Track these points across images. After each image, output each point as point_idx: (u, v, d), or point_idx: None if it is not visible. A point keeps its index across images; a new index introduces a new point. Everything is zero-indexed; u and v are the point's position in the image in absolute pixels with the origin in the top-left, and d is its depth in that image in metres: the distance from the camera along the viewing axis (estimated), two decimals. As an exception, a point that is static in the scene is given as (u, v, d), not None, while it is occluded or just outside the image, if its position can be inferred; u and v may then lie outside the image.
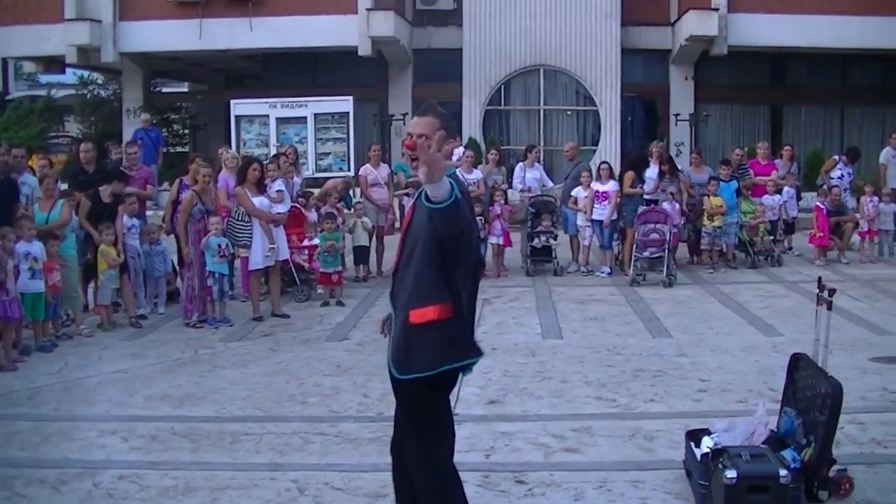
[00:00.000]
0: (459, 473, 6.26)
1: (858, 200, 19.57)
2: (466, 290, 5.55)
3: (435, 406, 5.70)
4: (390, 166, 18.29)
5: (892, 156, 20.46)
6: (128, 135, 24.77)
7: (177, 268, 14.72)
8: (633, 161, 18.24)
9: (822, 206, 18.50)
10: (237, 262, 14.63)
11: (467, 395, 9.74)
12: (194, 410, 9.40)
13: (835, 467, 7.11)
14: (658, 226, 16.46)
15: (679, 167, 18.89)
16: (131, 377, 10.65)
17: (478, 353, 5.61)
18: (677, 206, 17.32)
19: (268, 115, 25.70)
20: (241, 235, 13.37)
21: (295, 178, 16.44)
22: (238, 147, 24.48)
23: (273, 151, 21.89)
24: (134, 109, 28.80)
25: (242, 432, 8.64)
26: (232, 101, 26.44)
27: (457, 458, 7.75)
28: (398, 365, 5.59)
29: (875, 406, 9.35)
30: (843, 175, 20.33)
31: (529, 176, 18.56)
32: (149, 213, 16.10)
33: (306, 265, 15.02)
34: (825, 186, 19.64)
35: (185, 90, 36.62)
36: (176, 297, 14.52)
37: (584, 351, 11.57)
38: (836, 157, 21.13)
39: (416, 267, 5.54)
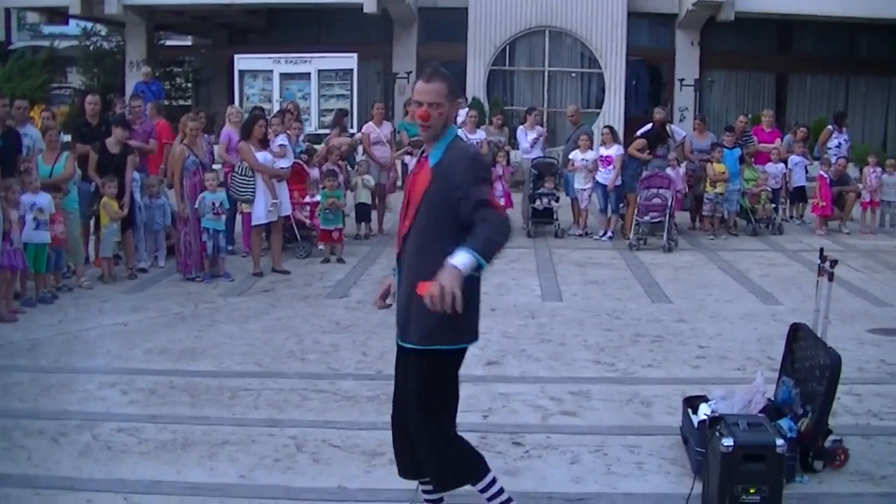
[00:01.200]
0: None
1: (861, 171, 19.54)
2: None
3: (453, 374, 5.72)
4: (393, 125, 18.26)
5: None
6: (130, 88, 24.67)
7: (177, 222, 14.76)
8: (653, 137, 17.96)
9: (825, 176, 18.47)
10: (238, 218, 14.64)
11: (466, 356, 9.75)
12: (193, 365, 9.43)
13: (831, 438, 7.14)
14: (661, 191, 16.46)
15: (680, 133, 18.87)
16: (131, 330, 10.68)
17: None
18: (681, 171, 17.33)
19: (271, 71, 25.62)
20: (243, 190, 13.36)
21: (298, 135, 16.42)
22: (241, 102, 24.40)
23: (276, 107, 21.84)
24: (136, 62, 28.60)
25: (241, 388, 8.67)
26: (236, 56, 26.36)
27: (454, 418, 7.83)
28: (421, 336, 5.52)
29: (872, 378, 9.37)
30: (840, 143, 20.29)
31: (530, 137, 18.57)
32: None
33: (308, 222, 15.02)
34: (826, 156, 19.63)
35: (189, 44, 36.44)
36: (175, 251, 14.51)
37: (583, 314, 11.59)
38: (830, 126, 21.04)
39: (437, 238, 5.41)
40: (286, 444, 7.35)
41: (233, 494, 6.46)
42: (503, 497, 5.66)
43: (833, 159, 19.40)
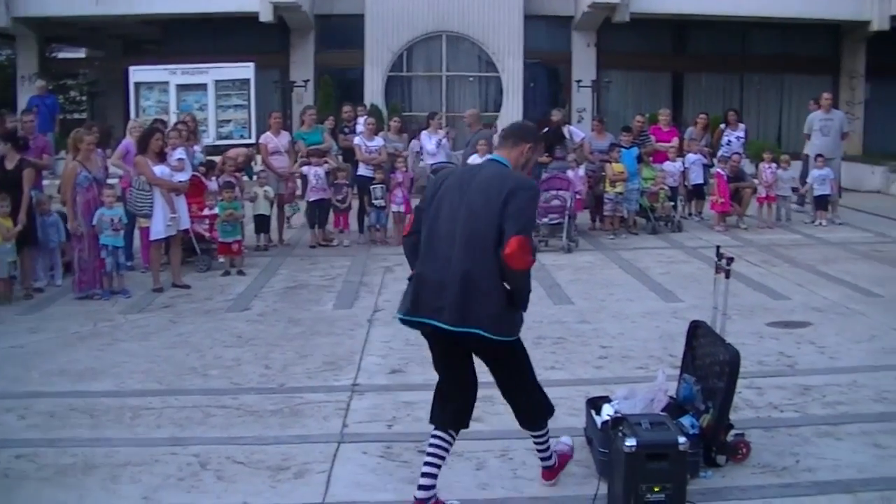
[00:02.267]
0: (361, 444, 6.89)
1: (757, 167, 19.83)
2: None
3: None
4: (291, 134, 18.13)
5: (820, 118, 20.45)
6: (22, 102, 24.20)
7: (72, 239, 14.50)
8: (551, 139, 18.11)
9: (722, 173, 18.73)
10: (136, 233, 14.44)
11: (369, 366, 9.76)
12: (94, 385, 9.27)
13: (732, 432, 7.22)
14: (560, 192, 16.61)
15: (578, 134, 19.06)
16: (28, 352, 10.46)
17: None
18: (581, 172, 17.46)
19: (167, 82, 25.22)
20: (141, 205, 13.16)
21: (195, 147, 16.25)
22: (137, 114, 24.05)
23: (173, 119, 21.57)
24: (29, 76, 28.11)
25: (143, 406, 8.53)
26: (130, 68, 25.93)
27: (358, 429, 7.86)
28: (497, 329, 6.08)
29: (772, 371, 9.51)
30: (729, 140, 20.54)
31: (434, 141, 18.55)
32: (45, 182, 15.78)
33: (207, 234, 14.87)
34: (722, 154, 19.91)
35: (83, 56, 35.86)
36: (72, 269, 14.26)
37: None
38: (722, 126, 21.30)
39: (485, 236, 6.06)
40: (190, 463, 7.25)
41: (136, 517, 6.35)
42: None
43: (727, 156, 19.67)
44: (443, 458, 6.39)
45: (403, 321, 6.30)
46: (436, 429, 6.42)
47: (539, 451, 6.73)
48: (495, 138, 17.52)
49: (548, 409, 6.59)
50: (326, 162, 17.15)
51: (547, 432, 6.65)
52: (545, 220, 16.66)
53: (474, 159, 17.24)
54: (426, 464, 6.34)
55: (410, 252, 6.46)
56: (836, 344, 10.50)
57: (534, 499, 6.62)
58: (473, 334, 6.01)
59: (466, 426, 6.51)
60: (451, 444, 6.43)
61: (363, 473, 7.05)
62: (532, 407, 6.56)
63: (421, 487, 6.31)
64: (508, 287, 6.05)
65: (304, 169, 17.05)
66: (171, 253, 13.74)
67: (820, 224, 19.26)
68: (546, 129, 17.92)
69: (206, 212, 14.90)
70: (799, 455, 7.35)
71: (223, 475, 7.04)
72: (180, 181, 13.69)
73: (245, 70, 25.21)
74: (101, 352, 10.42)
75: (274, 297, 13.00)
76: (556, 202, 16.58)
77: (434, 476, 6.32)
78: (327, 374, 9.55)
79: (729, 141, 20.48)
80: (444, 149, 18.70)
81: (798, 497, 6.63)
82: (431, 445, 6.37)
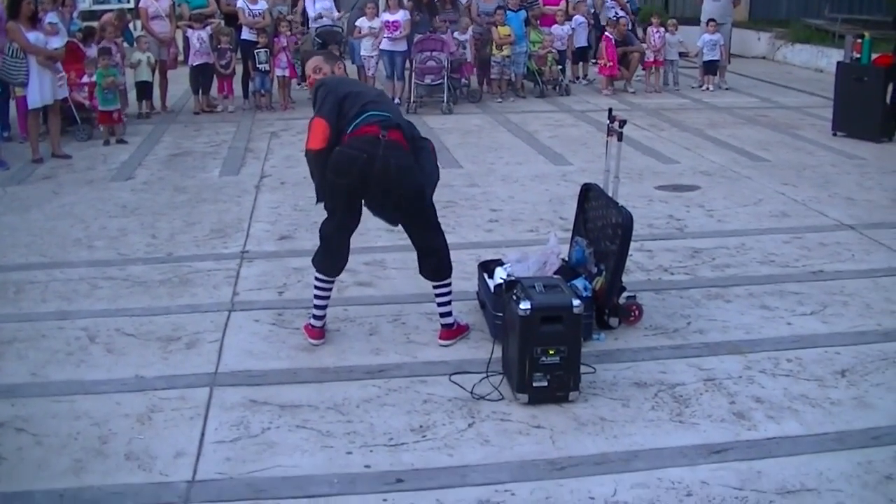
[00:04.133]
0: (252, 312, 7.06)
1: (644, 31, 19.81)
2: None
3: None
4: (173, -3, 17.63)
5: None
6: None
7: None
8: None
9: (609, 37, 18.66)
10: (12, 102, 13.99)
11: (257, 232, 9.65)
12: (-27, 260, 9.00)
13: (625, 295, 7.28)
14: (434, 53, 16.54)
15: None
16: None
17: None
18: (469, 35, 17.30)
19: (39, -57, 24.37)
20: (16, 73, 12.68)
21: (73, 14, 15.73)
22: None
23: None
24: None
25: (27, 281, 8.32)
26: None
27: (249, 296, 7.76)
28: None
29: (662, 234, 9.60)
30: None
31: (319, 5, 18.15)
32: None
33: (87, 103, 14.44)
34: (610, 18, 19.82)
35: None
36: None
37: (375, 184, 11.48)
38: None
39: None
40: (78, 337, 7.10)
41: (24, 394, 6.18)
42: None
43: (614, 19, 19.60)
44: None
45: None
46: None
47: (445, 312, 6.99)
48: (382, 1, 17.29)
49: (450, 265, 7.01)
50: (209, 25, 16.68)
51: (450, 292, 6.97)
52: (426, 80, 16.72)
53: (362, 22, 17.00)
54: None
55: (321, 166, 6.66)
56: (724, 207, 10.61)
57: (428, 363, 6.60)
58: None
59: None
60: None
61: (255, 341, 6.97)
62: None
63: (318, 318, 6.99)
64: None
65: (188, 33, 16.60)
66: (50, 122, 13.27)
67: (707, 89, 19.35)
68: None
69: (84, 79, 14.42)
70: (689, 317, 7.44)
71: (113, 348, 6.90)
72: (55, 48, 13.16)
73: (123, -70, 24.41)
74: (-21, 225, 10.13)
75: (158, 165, 12.73)
76: (431, 63, 16.54)
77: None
78: (215, 241, 9.40)
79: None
80: (329, 11, 18.30)
81: (689, 358, 6.71)
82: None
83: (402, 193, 6.60)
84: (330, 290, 7.00)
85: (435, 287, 6.93)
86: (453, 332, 6.98)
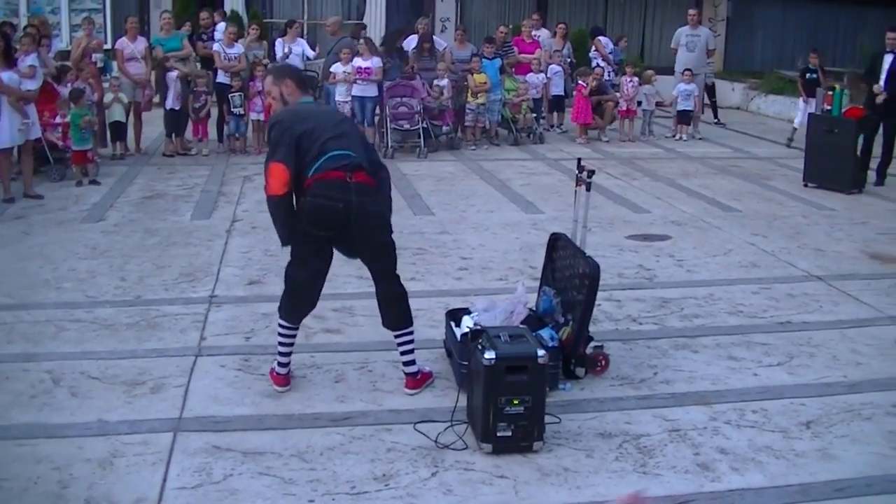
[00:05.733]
0: (219, 357, 7.13)
1: (619, 80, 19.96)
2: None
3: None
4: (148, 40, 17.63)
5: (687, 34, 20.41)
6: None
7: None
8: (394, 36, 18.11)
9: (583, 85, 18.76)
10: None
11: (227, 277, 9.63)
12: (-60, 299, 8.94)
13: (592, 344, 7.29)
14: (405, 99, 16.64)
15: (441, 44, 19.01)
16: None
17: None
18: (446, 81, 17.37)
19: (17, -17, 24.42)
20: (-13, 112, 12.66)
21: (49, 53, 15.71)
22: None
23: (24, 22, 20.83)
24: None
25: (-7, 321, 8.27)
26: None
27: (216, 341, 7.74)
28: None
29: (631, 283, 9.63)
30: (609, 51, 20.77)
31: (291, 48, 18.19)
32: None
33: (60, 143, 14.40)
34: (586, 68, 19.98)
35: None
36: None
37: (346, 230, 11.48)
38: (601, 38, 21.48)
39: None
40: (42, 380, 7.04)
41: (-14, 435, 6.15)
42: None
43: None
44: None
45: None
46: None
47: (409, 360, 6.96)
48: (359, 46, 17.35)
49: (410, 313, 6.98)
50: (175, 68, 16.60)
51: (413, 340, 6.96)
52: (405, 125, 16.87)
53: (337, 67, 17.07)
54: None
55: (286, 211, 6.66)
56: (694, 257, 10.66)
57: (394, 411, 6.59)
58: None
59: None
60: None
61: (221, 387, 6.94)
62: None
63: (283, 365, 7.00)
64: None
65: (169, 75, 16.58)
66: (23, 162, 13.21)
67: (681, 138, 19.49)
68: (413, 38, 17.98)
69: (58, 119, 14.38)
70: (657, 367, 7.45)
71: (77, 391, 6.86)
72: (29, 90, 13.13)
73: (99, -28, 24.45)
74: (-53, 263, 10.08)
75: (130, 207, 12.70)
76: (402, 108, 16.68)
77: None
78: (184, 285, 9.37)
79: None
80: (300, 57, 18.34)
81: (655, 409, 6.72)
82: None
83: (376, 237, 6.66)
84: (294, 336, 7.00)
85: (397, 336, 6.91)
86: (418, 381, 6.96)
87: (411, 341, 6.93)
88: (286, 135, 6.49)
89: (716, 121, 21.60)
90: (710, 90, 21.73)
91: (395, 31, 19.77)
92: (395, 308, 6.88)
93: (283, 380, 6.96)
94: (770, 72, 25.11)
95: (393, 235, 6.82)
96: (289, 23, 19.28)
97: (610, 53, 21.16)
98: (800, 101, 19.40)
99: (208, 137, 16.92)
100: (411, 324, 6.93)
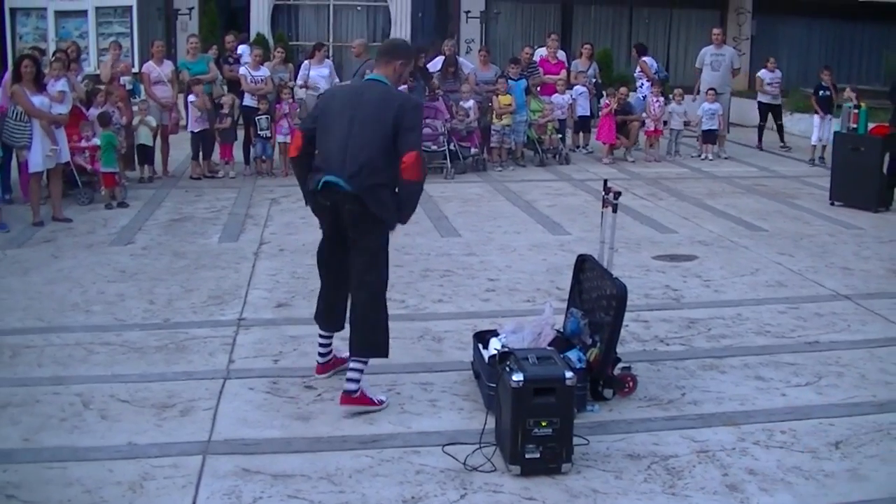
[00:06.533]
0: (247, 380, 7.15)
1: (645, 100, 19.98)
2: None
3: None
4: (175, 63, 17.76)
5: (711, 53, 20.45)
6: None
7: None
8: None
9: (608, 104, 18.79)
10: (14, 165, 14.05)
11: (255, 300, 9.65)
12: (-29, 322, 9.00)
13: (619, 366, 7.28)
14: (428, 120, 16.64)
15: (468, 66, 19.07)
16: None
17: None
18: (471, 103, 17.43)
19: (45, 8, 24.57)
20: (19, 136, 12.76)
21: (77, 77, 15.83)
22: (14, 42, 23.42)
23: (53, 47, 20.99)
24: None
25: (23, 345, 8.30)
26: (6, -7, 25.24)
27: (244, 364, 7.77)
28: (375, 203, 6.82)
29: (658, 304, 9.60)
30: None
31: (316, 73, 18.28)
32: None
33: (89, 167, 14.49)
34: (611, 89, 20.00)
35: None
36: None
37: (372, 251, 11.51)
38: (645, 59, 21.55)
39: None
40: (72, 403, 7.07)
41: (17, 460, 6.16)
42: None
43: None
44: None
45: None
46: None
47: (349, 377, 6.96)
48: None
49: (376, 347, 7.02)
50: (194, 92, 16.65)
51: (363, 368, 6.98)
52: (433, 147, 16.87)
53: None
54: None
55: (303, 171, 7.19)
56: (721, 277, 10.63)
57: (422, 433, 6.59)
58: (356, 197, 6.74)
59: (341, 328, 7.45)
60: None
61: (250, 410, 6.96)
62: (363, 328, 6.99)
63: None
64: (399, 194, 6.86)
65: (191, 98, 16.67)
66: (52, 186, 13.32)
67: (706, 158, 19.48)
68: (440, 60, 18.08)
69: (84, 143, 14.43)
70: (684, 388, 7.44)
71: (107, 414, 6.89)
72: (60, 113, 13.28)
73: (127, -4, 24.63)
74: (-22, 288, 10.15)
75: (158, 230, 12.77)
76: (427, 130, 16.67)
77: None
78: (213, 308, 9.41)
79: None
80: (326, 80, 18.42)
81: (683, 430, 6.70)
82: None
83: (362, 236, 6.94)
84: (327, 345, 7.52)
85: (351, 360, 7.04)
86: (354, 399, 6.94)
87: (361, 370, 6.97)
88: (314, 110, 7.41)
89: (781, 144, 21.35)
90: (777, 112, 21.44)
91: (416, 50, 19.80)
92: (354, 311, 7.09)
93: (319, 368, 7.58)
94: (795, 89, 25.04)
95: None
96: (317, 45, 19.40)
97: (655, 73, 21.13)
98: (815, 118, 19.43)
99: (234, 160, 17.00)
100: (372, 354, 7.02)
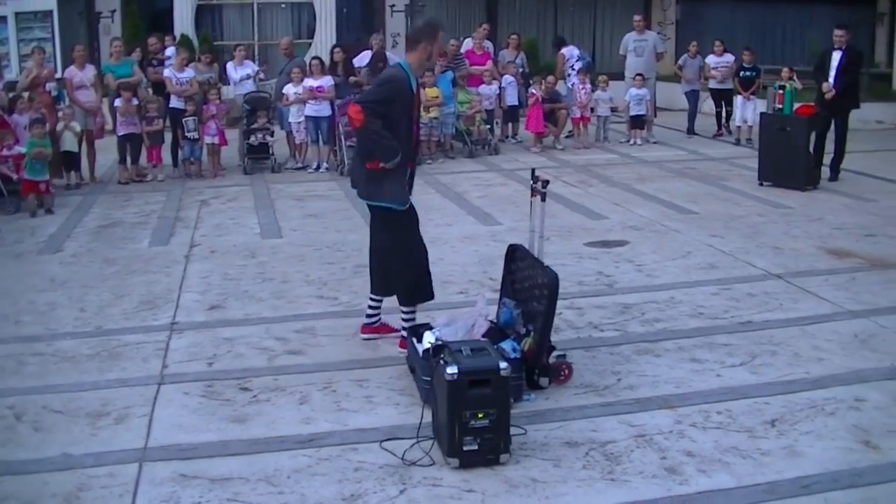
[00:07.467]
0: (182, 385, 7.03)
1: (571, 87, 20.01)
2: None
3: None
4: (99, 67, 17.56)
5: (634, 39, 20.63)
6: None
7: None
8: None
9: (535, 93, 18.82)
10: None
11: (187, 303, 9.57)
12: None
13: (554, 353, 7.30)
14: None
15: (393, 59, 18.97)
16: None
17: None
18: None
19: (-38, 15, 24.22)
20: (-62, 147, 12.58)
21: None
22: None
23: (-28, 55, 20.71)
24: None
25: (-48, 359, 8.19)
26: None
27: (178, 368, 7.69)
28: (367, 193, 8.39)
29: (591, 290, 9.65)
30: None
31: (241, 73, 18.21)
32: None
33: (14, 176, 14.25)
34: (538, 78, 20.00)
35: None
36: None
37: (304, 249, 11.49)
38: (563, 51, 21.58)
39: None
40: (4, 416, 6.96)
41: (-52, 475, 6.08)
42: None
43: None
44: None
45: None
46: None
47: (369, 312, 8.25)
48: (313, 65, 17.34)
49: (406, 292, 8.11)
50: (119, 95, 16.48)
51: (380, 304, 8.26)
52: (349, 143, 16.63)
53: (288, 89, 17.07)
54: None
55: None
56: (653, 261, 10.70)
57: (359, 430, 6.56)
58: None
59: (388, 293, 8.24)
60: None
61: (185, 414, 6.90)
62: (385, 277, 8.17)
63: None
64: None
65: (117, 102, 16.48)
66: (-25, 197, 13.15)
67: (635, 143, 19.60)
68: (367, 55, 18.08)
69: (6, 151, 14.19)
70: (620, 373, 7.47)
71: (40, 426, 6.79)
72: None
73: (47, 1, 24.28)
74: None
75: (87, 236, 12.62)
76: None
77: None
78: (145, 313, 9.31)
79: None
80: (251, 82, 18.37)
81: (620, 415, 6.73)
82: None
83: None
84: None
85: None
86: (372, 328, 8.27)
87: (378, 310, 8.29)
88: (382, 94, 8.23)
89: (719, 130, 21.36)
90: (728, 98, 21.07)
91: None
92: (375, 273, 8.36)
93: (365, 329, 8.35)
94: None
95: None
96: (236, 47, 19.40)
97: (578, 61, 21.07)
98: (738, 99, 19.63)
99: (163, 163, 16.84)
100: (389, 293, 8.22)
